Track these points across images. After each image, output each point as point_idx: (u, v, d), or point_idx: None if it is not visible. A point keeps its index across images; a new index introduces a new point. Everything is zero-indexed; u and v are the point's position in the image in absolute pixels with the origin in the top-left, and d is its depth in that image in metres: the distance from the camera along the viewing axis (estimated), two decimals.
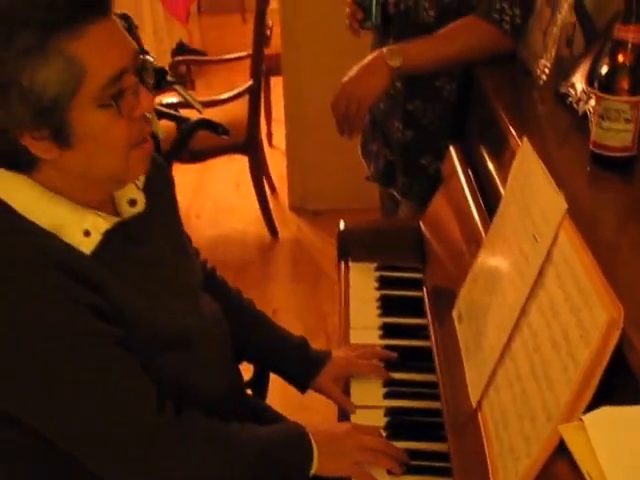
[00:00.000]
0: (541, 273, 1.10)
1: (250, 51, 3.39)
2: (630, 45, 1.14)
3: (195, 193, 3.99)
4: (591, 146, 1.23)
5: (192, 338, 1.20)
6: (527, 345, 1.08)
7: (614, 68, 1.16)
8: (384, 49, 1.79)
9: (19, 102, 0.99)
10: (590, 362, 0.90)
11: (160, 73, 1.96)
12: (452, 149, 1.77)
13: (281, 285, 3.34)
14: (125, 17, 1.86)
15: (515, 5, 1.74)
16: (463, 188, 1.63)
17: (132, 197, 1.19)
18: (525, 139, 1.27)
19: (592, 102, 1.35)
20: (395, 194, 2.16)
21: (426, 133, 2.00)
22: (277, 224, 3.63)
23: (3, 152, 1.05)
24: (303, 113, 3.58)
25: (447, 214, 1.72)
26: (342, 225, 1.92)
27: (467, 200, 1.58)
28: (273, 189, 3.95)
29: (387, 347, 1.56)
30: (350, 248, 1.88)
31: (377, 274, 1.81)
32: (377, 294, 1.74)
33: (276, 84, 4.08)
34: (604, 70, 1.18)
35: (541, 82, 1.58)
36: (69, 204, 1.08)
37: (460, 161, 1.71)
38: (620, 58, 1.15)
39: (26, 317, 1.01)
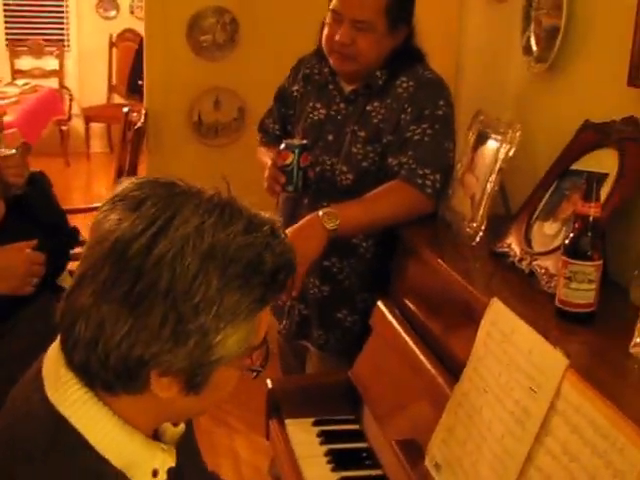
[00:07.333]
0: (544, 421, 1.23)
1: None
2: (591, 219, 1.34)
3: None
4: (558, 303, 1.41)
5: None
6: None
7: (579, 238, 1.36)
8: (320, 212, 1.83)
9: (191, 349, 0.92)
10: None
11: None
12: (381, 303, 1.88)
13: None
14: None
15: (436, 171, 1.90)
16: (400, 334, 1.74)
17: None
18: (496, 299, 1.41)
19: (538, 262, 1.55)
20: (310, 347, 2.19)
21: (342, 288, 2.08)
22: None
23: (119, 370, 0.93)
24: None
25: (384, 362, 1.81)
26: (270, 383, 1.95)
27: (408, 344, 1.69)
28: None
29: None
30: (282, 405, 1.92)
31: (317, 429, 1.85)
32: (324, 449, 1.78)
33: None
34: (571, 239, 1.37)
35: (474, 243, 1.76)
36: (142, 439, 1.00)
37: (392, 312, 1.83)
38: (583, 229, 1.35)
39: None
